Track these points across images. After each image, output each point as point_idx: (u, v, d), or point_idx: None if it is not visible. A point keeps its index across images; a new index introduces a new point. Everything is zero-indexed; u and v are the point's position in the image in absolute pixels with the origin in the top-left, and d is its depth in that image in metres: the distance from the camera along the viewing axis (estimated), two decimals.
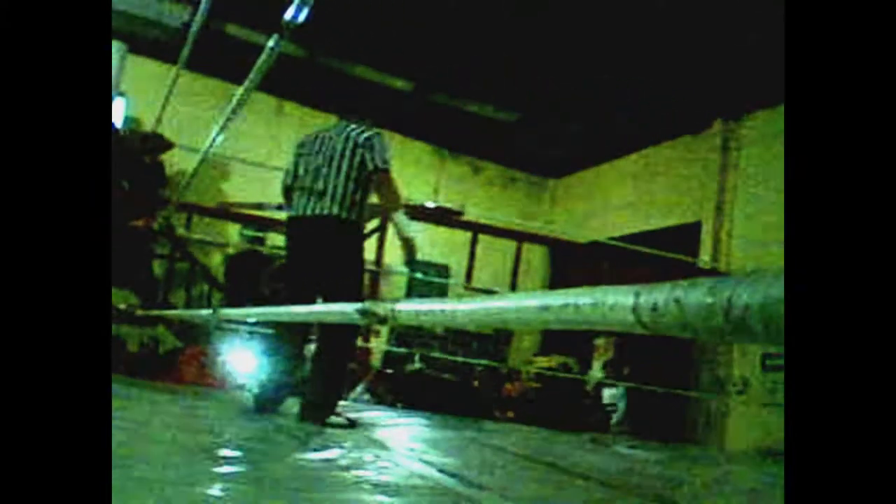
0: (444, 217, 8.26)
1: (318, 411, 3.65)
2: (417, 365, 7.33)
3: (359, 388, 6.63)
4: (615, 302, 0.84)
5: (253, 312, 4.55)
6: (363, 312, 1.79)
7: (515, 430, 5.27)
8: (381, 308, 1.68)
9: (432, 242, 9.18)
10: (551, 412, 7.02)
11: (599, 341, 7.78)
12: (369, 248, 6.19)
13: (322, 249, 3.90)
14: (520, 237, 8.69)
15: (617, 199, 10.08)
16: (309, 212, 3.89)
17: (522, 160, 10.99)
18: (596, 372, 7.67)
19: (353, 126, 4.01)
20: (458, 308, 1.35)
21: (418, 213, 6.89)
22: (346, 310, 1.99)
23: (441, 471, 2.45)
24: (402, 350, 6.95)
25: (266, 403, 3.90)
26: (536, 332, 10.62)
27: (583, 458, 3.82)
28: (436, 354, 6.91)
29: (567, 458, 3.72)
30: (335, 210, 3.83)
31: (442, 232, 8.85)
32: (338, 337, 3.79)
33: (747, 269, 7.55)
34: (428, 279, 8.26)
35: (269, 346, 4.23)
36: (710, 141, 8.58)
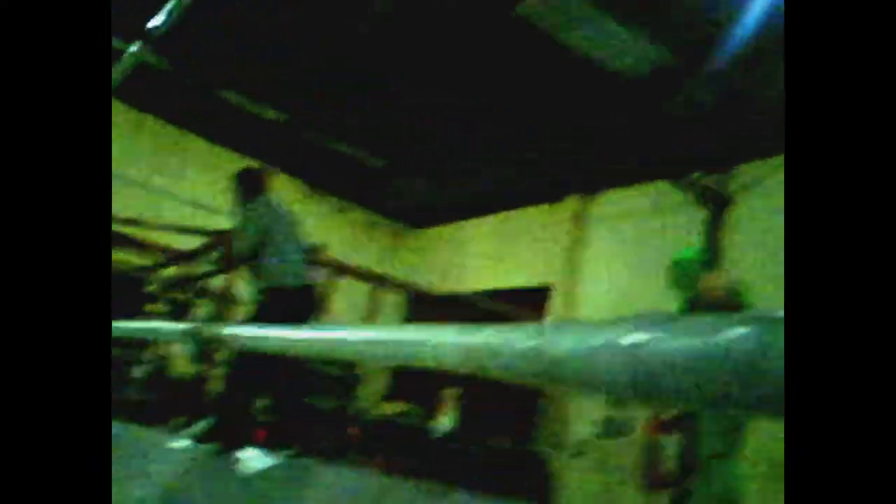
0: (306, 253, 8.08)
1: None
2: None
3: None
4: (447, 342, 0.82)
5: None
6: (189, 334, 1.68)
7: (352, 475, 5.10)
8: (207, 330, 1.58)
9: None
10: (392, 456, 6.92)
11: (447, 392, 7.78)
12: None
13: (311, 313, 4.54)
14: (379, 281, 8.65)
15: (476, 256, 10.29)
16: (306, 282, 4.53)
17: (387, 207, 11.03)
18: (442, 422, 7.65)
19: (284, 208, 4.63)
20: (290, 336, 1.29)
21: None
22: (175, 329, 1.88)
23: None
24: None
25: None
26: (388, 376, 10.54)
27: None
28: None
29: None
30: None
31: None
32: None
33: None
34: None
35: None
36: (565, 212, 8.97)
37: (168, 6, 2.70)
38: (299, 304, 4.41)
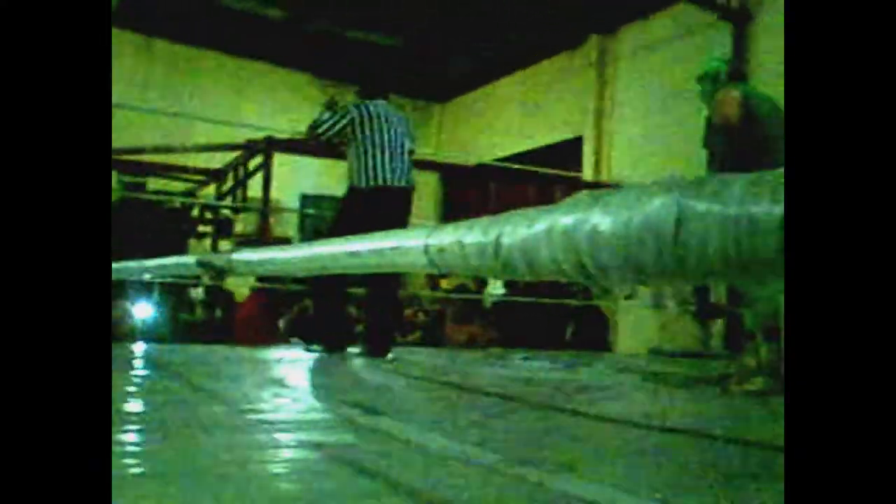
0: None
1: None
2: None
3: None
4: (411, 245, 0.89)
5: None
6: (202, 265, 1.80)
7: (418, 353, 5.39)
8: (217, 260, 1.69)
9: (319, 173, 9.05)
10: (452, 333, 7.20)
11: None
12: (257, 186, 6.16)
13: (404, 217, 4.55)
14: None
15: (502, 121, 10.19)
16: (403, 182, 4.57)
17: (407, 86, 10.87)
18: (493, 289, 7.88)
19: (395, 112, 4.75)
20: (288, 256, 1.40)
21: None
22: (186, 262, 2.02)
23: (341, 402, 2.49)
24: (296, 287, 6.93)
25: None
26: None
27: (481, 373, 3.97)
28: None
29: (466, 374, 3.86)
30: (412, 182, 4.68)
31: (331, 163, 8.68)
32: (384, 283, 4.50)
33: (627, 178, 7.84)
34: (319, 213, 8.19)
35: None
36: (587, 56, 8.74)
37: None
38: (376, 206, 4.44)
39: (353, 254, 1.07)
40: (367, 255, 1.01)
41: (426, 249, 0.84)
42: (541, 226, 0.67)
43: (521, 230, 0.68)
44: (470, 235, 0.74)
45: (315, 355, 4.50)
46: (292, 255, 1.32)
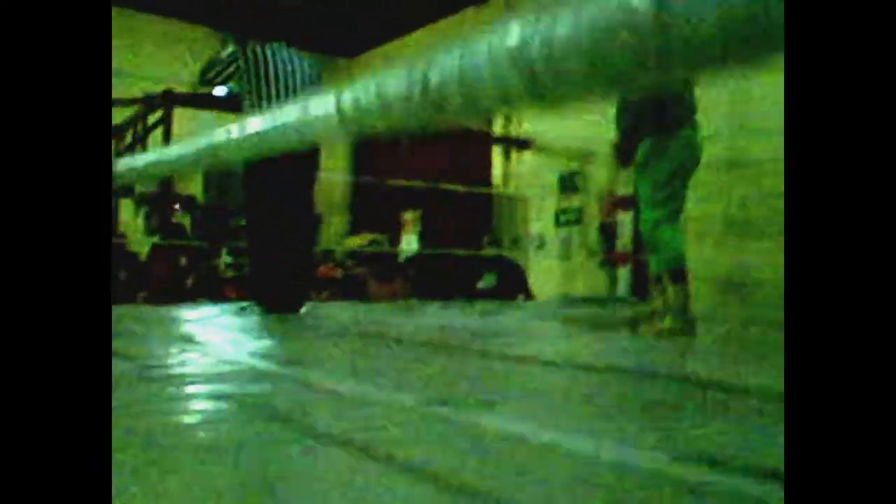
0: None
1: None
2: (226, 259, 7.14)
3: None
4: (319, 110, 0.83)
5: None
6: None
7: (333, 307, 5.33)
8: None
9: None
10: (375, 291, 7.17)
11: (407, 215, 7.94)
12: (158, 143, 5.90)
13: (314, 160, 4.39)
14: None
15: None
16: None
17: (312, 41, 10.58)
18: (407, 244, 7.86)
19: (294, 54, 4.36)
20: (172, 152, 1.32)
21: None
22: None
23: (252, 354, 2.43)
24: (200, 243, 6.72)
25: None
26: (345, 212, 10.63)
27: (397, 323, 3.95)
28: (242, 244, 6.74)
29: (383, 325, 3.84)
30: None
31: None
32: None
33: (542, 134, 7.92)
34: (225, 171, 7.93)
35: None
36: (496, 7, 8.71)
37: None
38: (278, 162, 4.23)
39: (253, 135, 1.00)
40: (271, 134, 0.94)
41: (338, 107, 0.78)
42: (481, 48, 0.62)
43: (453, 61, 0.63)
44: (391, 81, 0.68)
45: (228, 314, 4.36)
46: (184, 151, 1.22)
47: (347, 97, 0.76)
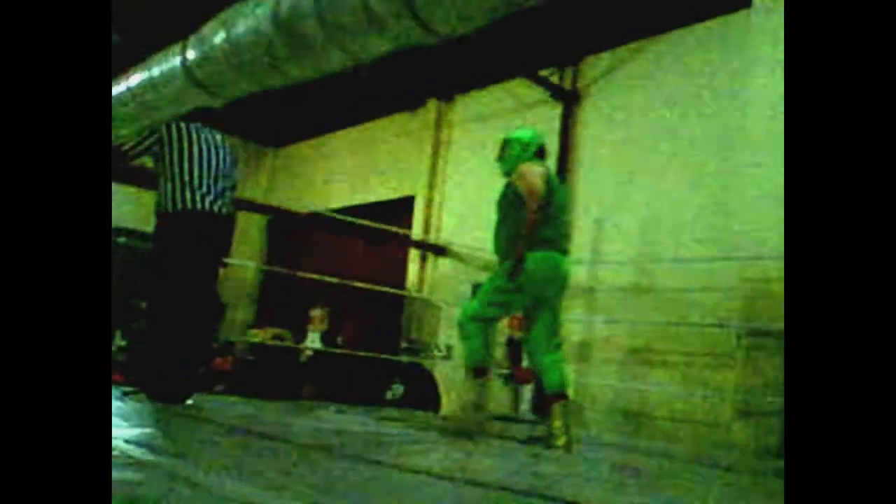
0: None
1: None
2: (120, 342, 6.82)
3: None
4: (165, 69, 0.81)
5: None
6: None
7: (222, 401, 5.11)
8: None
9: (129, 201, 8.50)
10: (265, 383, 6.93)
11: (315, 312, 7.80)
12: None
13: (226, 247, 4.46)
14: (237, 204, 8.39)
15: (336, 173, 10.16)
16: (223, 210, 4.25)
17: (241, 128, 10.62)
18: (312, 342, 7.69)
19: (217, 136, 4.36)
20: None
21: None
22: None
23: (128, 441, 2.28)
24: None
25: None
26: (252, 303, 10.39)
27: (287, 423, 3.81)
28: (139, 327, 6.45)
29: (272, 424, 3.68)
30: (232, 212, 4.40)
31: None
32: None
33: (456, 240, 8.04)
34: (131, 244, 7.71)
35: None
36: (425, 119, 8.97)
37: None
38: (192, 233, 4.11)
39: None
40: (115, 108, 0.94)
41: (186, 67, 0.74)
42: None
43: None
44: (239, 22, 0.65)
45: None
46: None
47: (193, 52, 0.73)
